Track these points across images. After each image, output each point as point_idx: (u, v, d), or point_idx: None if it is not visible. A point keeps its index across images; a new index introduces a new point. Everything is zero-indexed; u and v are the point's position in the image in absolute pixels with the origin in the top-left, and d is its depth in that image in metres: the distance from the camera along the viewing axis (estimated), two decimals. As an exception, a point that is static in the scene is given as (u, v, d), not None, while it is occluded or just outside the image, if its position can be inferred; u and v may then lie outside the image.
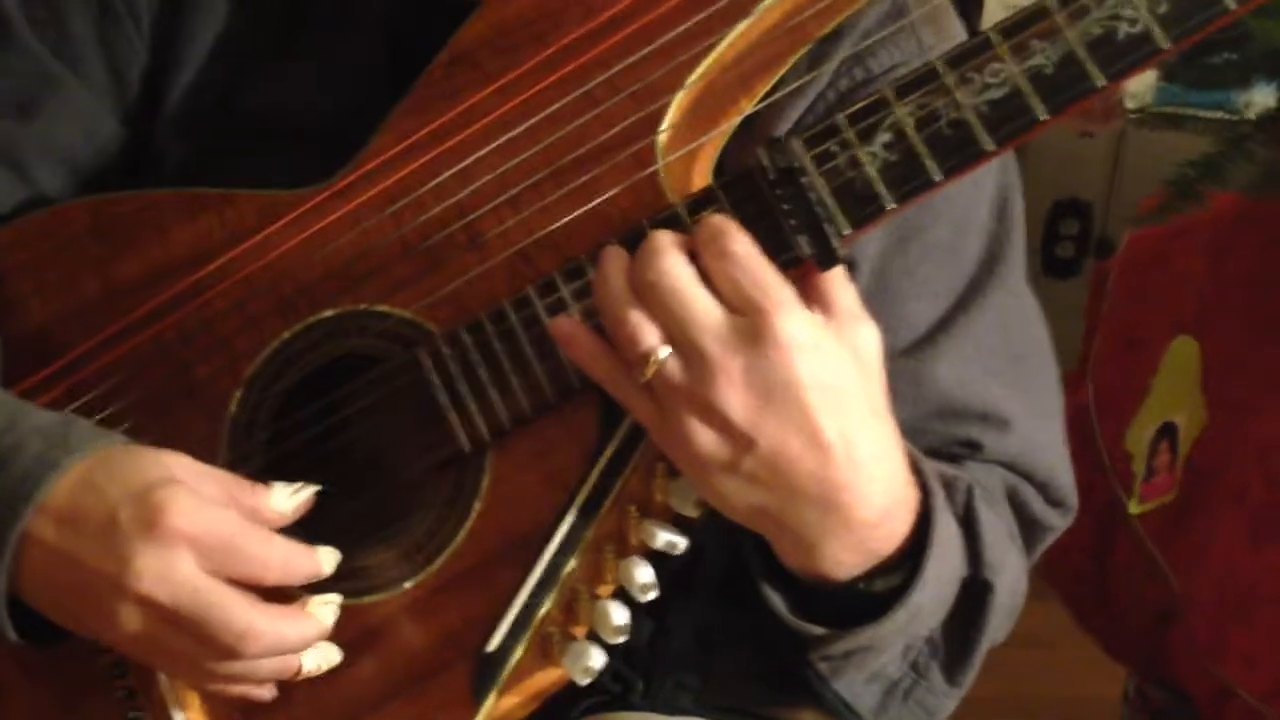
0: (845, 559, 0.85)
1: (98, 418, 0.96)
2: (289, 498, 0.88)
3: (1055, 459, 1.03)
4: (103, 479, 0.86)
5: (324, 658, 0.89)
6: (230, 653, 0.85)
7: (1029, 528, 1.01)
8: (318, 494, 0.89)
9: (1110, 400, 1.73)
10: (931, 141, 0.82)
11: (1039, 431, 1.02)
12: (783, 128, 0.95)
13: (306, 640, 0.87)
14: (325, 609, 0.88)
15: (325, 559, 0.88)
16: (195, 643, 0.85)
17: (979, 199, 1.01)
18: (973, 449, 1.00)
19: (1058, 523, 1.04)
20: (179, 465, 0.87)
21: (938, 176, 0.82)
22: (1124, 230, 1.92)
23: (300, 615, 0.87)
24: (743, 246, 0.81)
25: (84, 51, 1.01)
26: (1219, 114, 1.76)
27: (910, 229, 0.99)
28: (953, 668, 0.96)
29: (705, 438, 0.81)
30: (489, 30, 0.91)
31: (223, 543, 0.84)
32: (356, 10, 1.01)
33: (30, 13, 1.01)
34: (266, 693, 0.90)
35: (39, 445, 0.87)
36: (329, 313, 0.93)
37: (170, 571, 0.83)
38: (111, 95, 1.03)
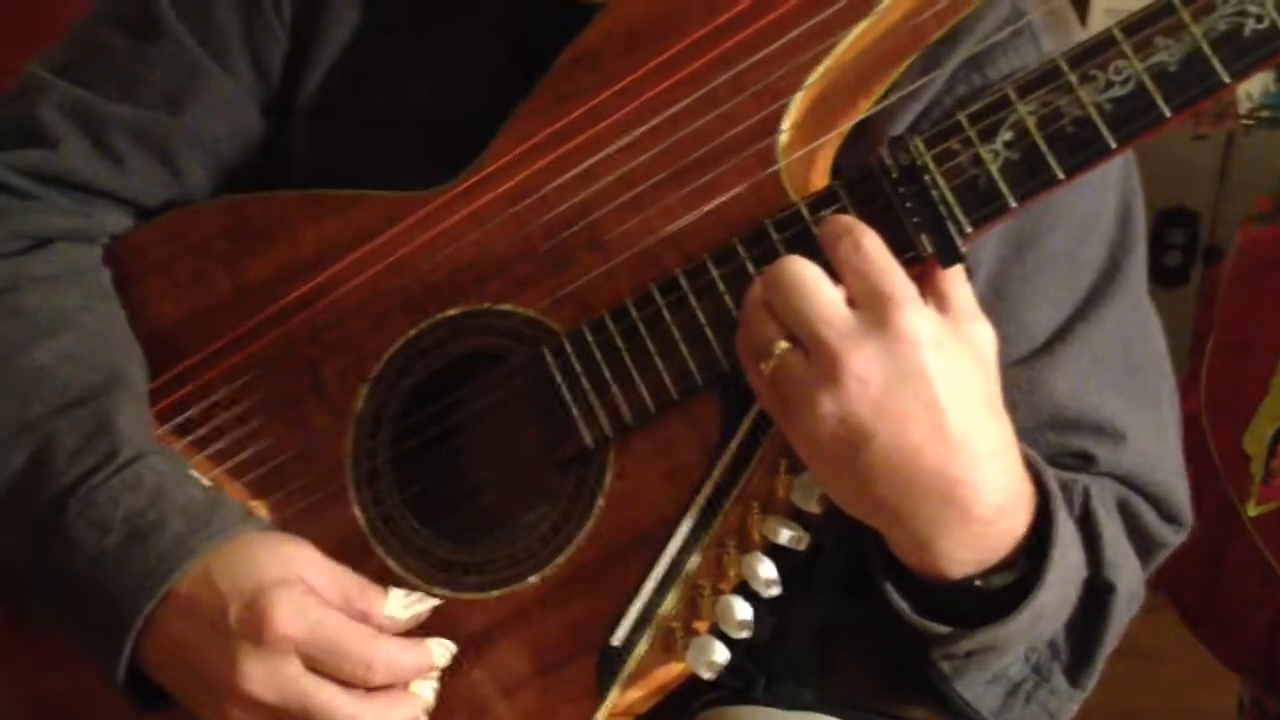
0: (961, 555, 0.85)
1: (226, 416, 0.99)
2: (405, 607, 0.91)
3: (1171, 474, 1.02)
4: (221, 574, 0.89)
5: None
6: None
7: (1142, 542, 1.00)
8: (443, 491, 0.91)
9: (1224, 404, 1.71)
10: (1053, 140, 0.82)
11: (1155, 445, 1.01)
12: (896, 131, 0.95)
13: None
14: (425, 686, 0.91)
15: (436, 650, 0.91)
16: None
17: (1101, 207, 1.00)
18: (1086, 461, 0.99)
19: (1172, 539, 1.02)
20: (300, 561, 0.90)
21: (1060, 175, 0.82)
22: (1232, 238, 1.89)
23: (402, 701, 0.90)
24: (871, 241, 0.81)
25: (230, 44, 1.03)
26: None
27: (1029, 237, 0.98)
28: (1076, 670, 0.96)
29: (825, 430, 0.81)
30: (612, 31, 0.92)
31: (328, 646, 0.87)
32: (481, 12, 1.02)
33: (179, 8, 1.03)
34: None
35: (180, 527, 0.90)
36: (453, 311, 0.94)
37: (276, 675, 0.87)
38: (256, 88, 1.05)
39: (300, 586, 0.88)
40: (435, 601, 0.92)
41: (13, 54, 1.09)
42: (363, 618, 0.90)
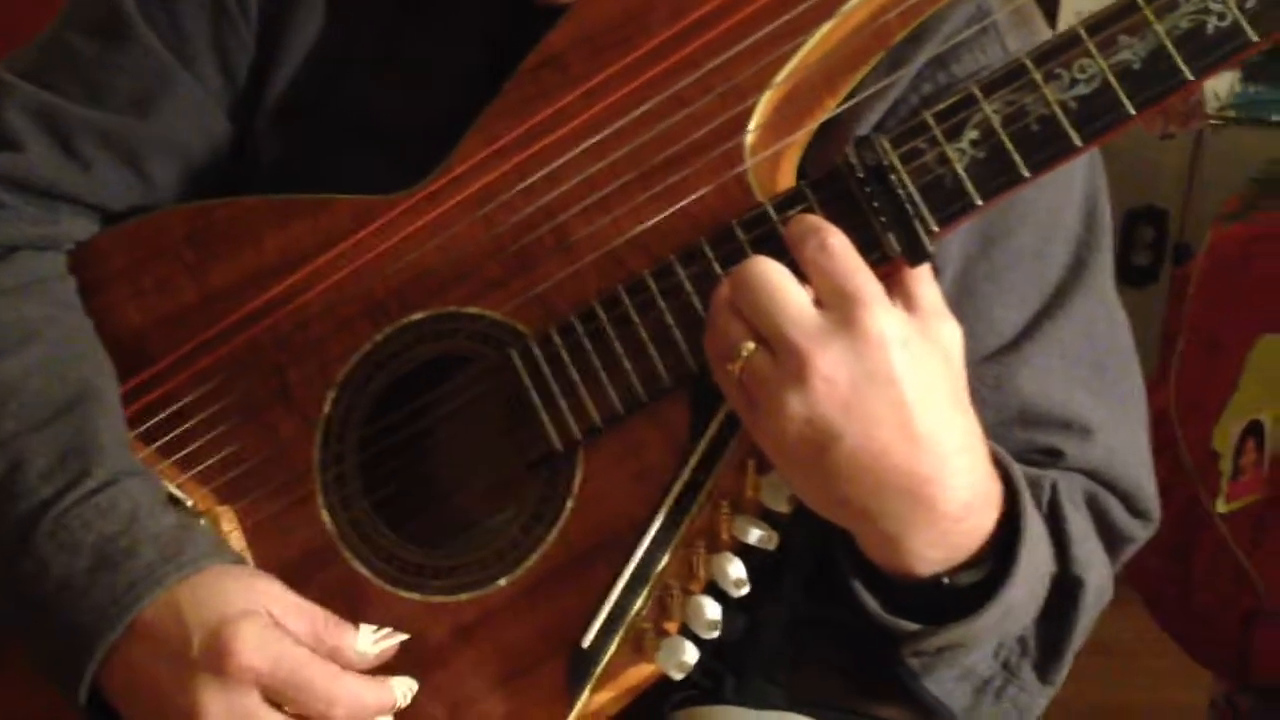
0: (930, 554, 0.85)
1: (193, 421, 0.98)
2: (374, 643, 0.91)
3: (1139, 469, 1.02)
4: (187, 605, 0.88)
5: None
6: None
7: (1110, 537, 1.00)
8: (410, 496, 0.91)
9: (1193, 402, 1.72)
10: (1019, 138, 0.82)
11: (1123, 441, 1.02)
12: (862, 130, 0.95)
13: None
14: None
15: (398, 689, 0.90)
16: None
17: (1066, 204, 1.01)
18: (1054, 457, 0.99)
19: (1140, 533, 1.03)
20: (268, 596, 0.89)
21: (1026, 173, 0.82)
22: (1201, 236, 1.90)
23: None
24: (837, 240, 0.81)
25: (198, 49, 1.03)
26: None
27: (995, 234, 0.98)
28: (1045, 666, 0.96)
29: (792, 430, 0.81)
30: (577, 33, 0.92)
31: (289, 679, 0.87)
32: (453, 14, 1.02)
33: (146, 10, 1.02)
34: None
35: (151, 554, 0.90)
36: (420, 315, 0.94)
37: (235, 708, 0.87)
38: (224, 92, 1.04)
39: (265, 619, 0.88)
40: (403, 636, 0.92)
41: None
42: (333, 653, 0.89)
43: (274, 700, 0.87)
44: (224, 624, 0.86)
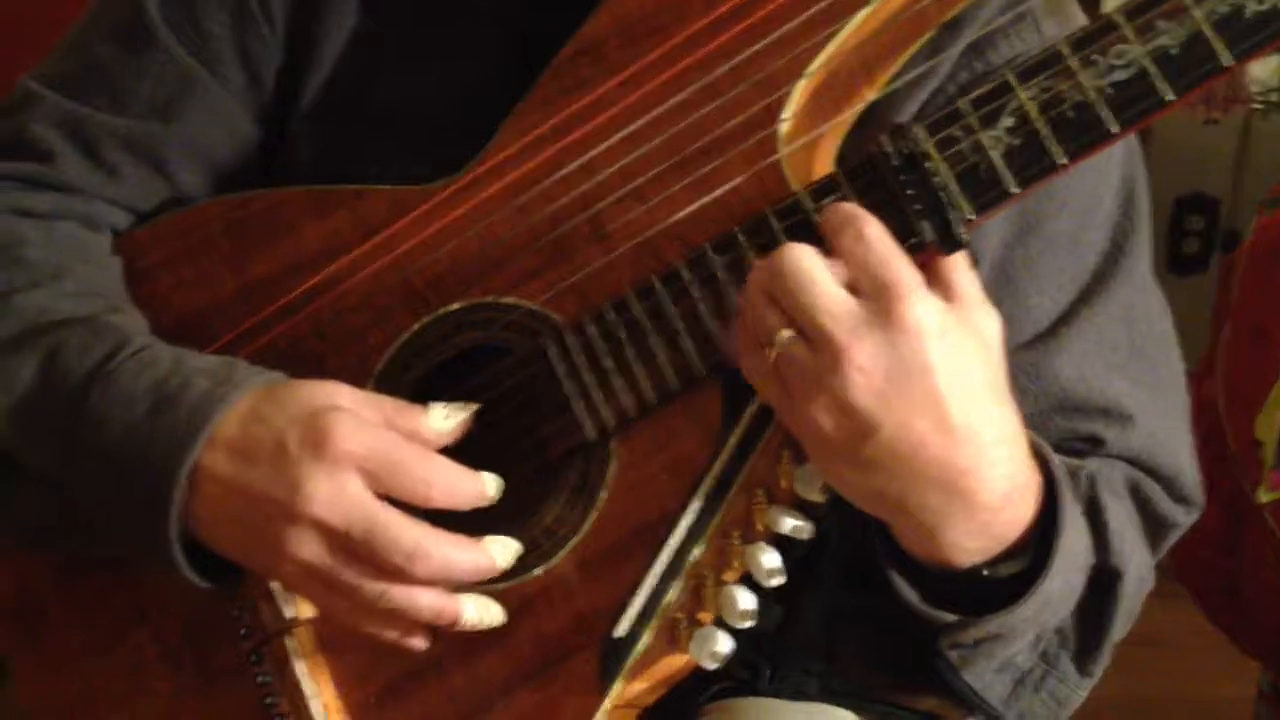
0: (968, 544, 0.85)
1: None
2: (445, 418, 0.90)
3: (1180, 454, 1.02)
4: (270, 409, 0.89)
5: (485, 610, 0.90)
6: (398, 573, 0.86)
7: (1153, 524, 1.00)
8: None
9: (1238, 390, 1.70)
10: (1055, 125, 0.81)
11: (1163, 426, 1.01)
12: (902, 118, 0.94)
13: (476, 569, 0.88)
14: (499, 547, 0.89)
15: (489, 483, 0.90)
16: (362, 568, 0.87)
17: (1103, 190, 1.00)
18: (1095, 444, 0.99)
19: (1183, 519, 1.02)
20: (340, 392, 0.89)
21: (1062, 160, 0.82)
22: (1250, 224, 1.89)
23: (470, 543, 0.88)
24: (874, 229, 0.81)
25: (221, 53, 1.04)
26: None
27: (1032, 221, 0.98)
28: (1084, 657, 0.96)
29: (829, 421, 0.81)
30: (614, 22, 0.92)
31: (388, 462, 0.87)
32: (480, 7, 1.03)
33: (169, 15, 1.03)
34: (419, 641, 0.91)
35: (205, 383, 0.91)
36: (456, 305, 0.94)
37: (340, 493, 0.86)
38: (248, 95, 1.05)
39: (351, 410, 0.88)
40: (475, 407, 0.92)
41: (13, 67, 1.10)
42: (411, 436, 0.89)
43: (373, 486, 0.87)
44: (316, 415, 0.87)
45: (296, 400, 0.89)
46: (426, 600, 0.88)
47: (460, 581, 0.89)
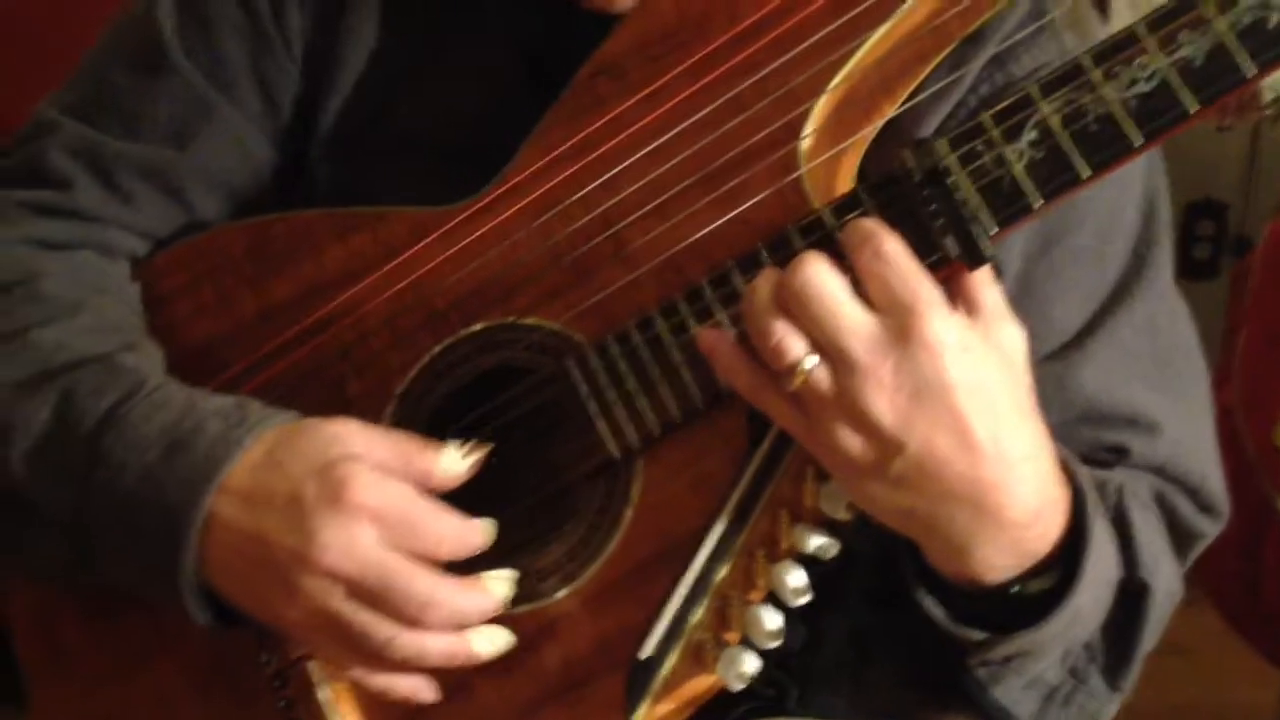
0: (997, 561, 0.84)
1: None
2: (460, 460, 0.90)
3: (1206, 463, 1.02)
4: (285, 456, 0.89)
5: (493, 640, 0.90)
6: (412, 621, 0.87)
7: (1180, 535, 1.00)
8: (468, 506, 0.91)
9: (1255, 397, 1.70)
10: (1078, 138, 0.81)
11: (1189, 436, 1.01)
12: (924, 132, 0.95)
13: (482, 611, 0.89)
14: (497, 583, 0.90)
15: (484, 530, 0.90)
16: (374, 618, 0.87)
17: (1125, 202, 1.00)
18: (1120, 455, 0.99)
19: (1209, 529, 1.02)
20: (354, 437, 0.89)
21: (1085, 173, 0.81)
22: (1261, 229, 1.88)
23: (475, 586, 0.89)
24: (894, 247, 0.80)
25: (238, 79, 1.04)
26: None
27: (1055, 233, 0.98)
28: (1113, 671, 0.95)
29: (854, 442, 0.80)
30: (634, 40, 0.92)
31: (403, 517, 0.87)
32: (497, 27, 1.02)
33: (185, 42, 1.03)
34: (428, 692, 0.91)
35: (218, 426, 0.90)
36: (478, 326, 0.94)
37: (354, 544, 0.86)
38: (265, 120, 1.05)
39: (367, 461, 0.88)
40: (489, 445, 0.91)
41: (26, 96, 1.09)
42: (426, 478, 0.89)
43: (386, 539, 0.87)
44: (333, 465, 0.87)
45: (312, 446, 0.89)
46: (437, 646, 0.88)
47: (469, 624, 0.89)
